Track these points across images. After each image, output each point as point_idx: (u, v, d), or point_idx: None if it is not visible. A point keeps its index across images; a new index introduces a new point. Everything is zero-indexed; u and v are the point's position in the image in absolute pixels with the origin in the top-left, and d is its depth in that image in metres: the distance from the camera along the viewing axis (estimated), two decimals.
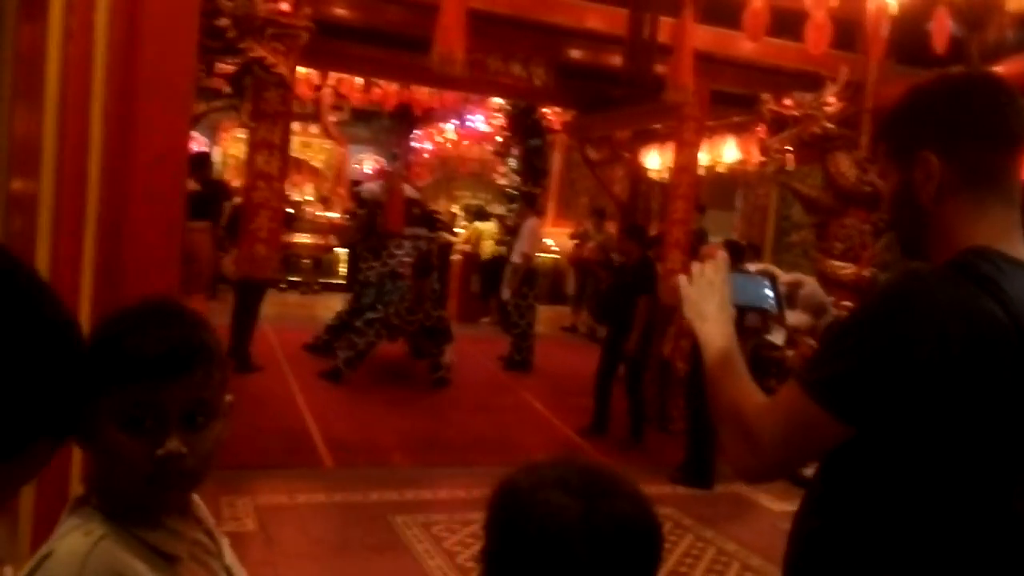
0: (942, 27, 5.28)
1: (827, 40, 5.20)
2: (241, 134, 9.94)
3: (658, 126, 7.93)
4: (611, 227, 9.81)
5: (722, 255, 1.44)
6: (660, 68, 6.60)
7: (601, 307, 7.65)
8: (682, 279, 1.42)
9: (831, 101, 5.75)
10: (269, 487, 4.71)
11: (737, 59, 5.99)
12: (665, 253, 6.52)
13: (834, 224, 5.73)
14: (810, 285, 1.58)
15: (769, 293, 1.48)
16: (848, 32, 5.72)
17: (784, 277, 1.54)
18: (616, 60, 6.66)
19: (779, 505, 4.99)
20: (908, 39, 5.72)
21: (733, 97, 6.66)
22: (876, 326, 1.11)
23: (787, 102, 5.90)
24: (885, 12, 5.14)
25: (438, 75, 4.86)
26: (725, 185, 9.31)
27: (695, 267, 1.42)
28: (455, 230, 11.90)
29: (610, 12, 5.52)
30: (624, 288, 6.20)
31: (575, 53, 6.52)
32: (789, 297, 1.53)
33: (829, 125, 5.61)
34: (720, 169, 7.81)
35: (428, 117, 13.45)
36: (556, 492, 0.90)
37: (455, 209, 14.21)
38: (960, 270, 1.11)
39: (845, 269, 5.51)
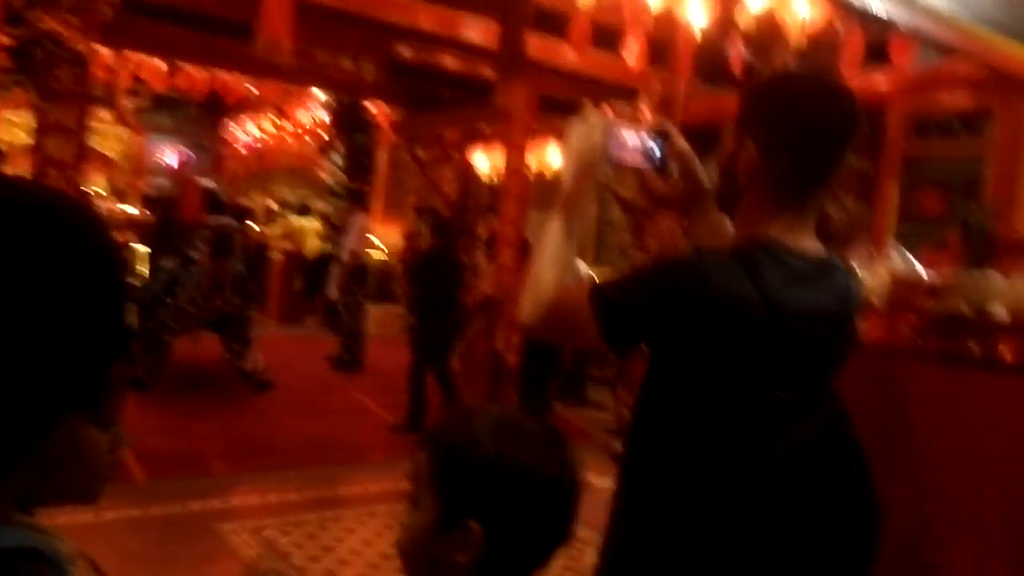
0: (737, 52, 5.83)
1: (643, 56, 5.56)
2: (16, 116, 8.98)
3: (487, 128, 8.10)
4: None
5: (608, 110, 1.52)
6: (489, 72, 6.76)
7: (407, 299, 7.57)
8: (578, 118, 1.46)
9: (645, 112, 6.17)
10: (68, 506, 4.33)
11: (563, 68, 6.25)
12: (498, 251, 6.69)
13: (649, 225, 6.14)
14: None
15: (655, 150, 1.49)
16: (661, 50, 6.14)
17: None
18: (447, 60, 6.75)
19: (602, 481, 5.24)
20: (711, 60, 6.22)
21: (559, 103, 6.95)
22: (658, 278, 1.32)
23: (607, 111, 6.24)
24: (691, 34, 5.60)
25: (262, 64, 4.70)
26: (551, 189, 9.61)
27: (583, 111, 1.47)
28: (270, 224, 11.45)
29: (442, 12, 5.59)
30: (423, 277, 6.20)
31: (406, 51, 6.53)
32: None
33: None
34: (547, 173, 8.10)
35: (241, 108, 12.85)
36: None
37: (270, 204, 13.68)
38: (736, 255, 1.30)
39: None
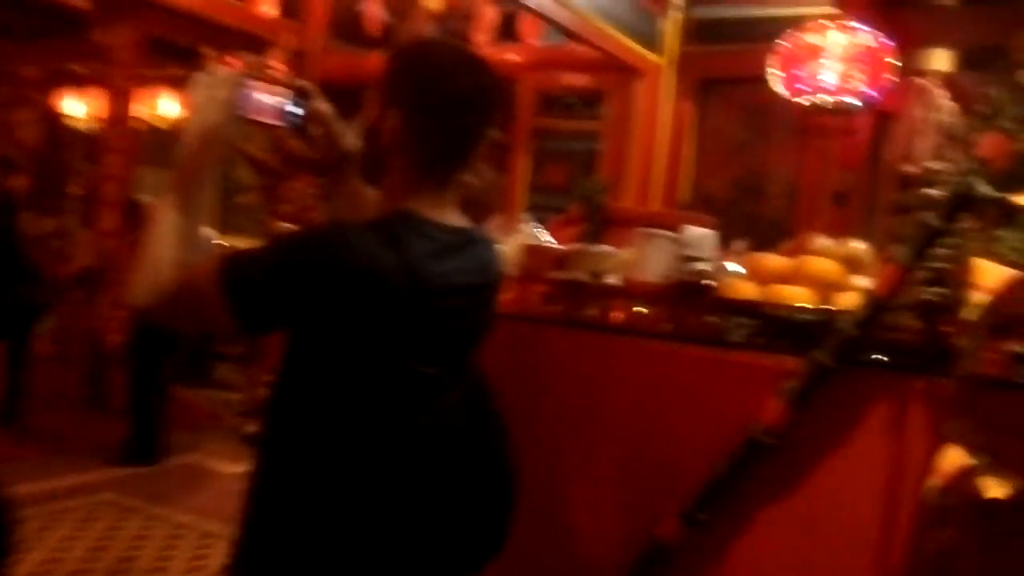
0: (373, 12, 5.76)
1: (275, 4, 5.17)
2: None
3: (81, 69, 6.92)
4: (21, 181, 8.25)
5: (235, 61, 1.34)
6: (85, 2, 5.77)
7: None
8: (203, 72, 1.32)
9: (277, 66, 5.75)
10: None
11: (177, 7, 5.54)
12: (97, 213, 5.75)
13: (283, 187, 5.77)
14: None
15: (294, 109, 1.39)
16: (293, 2, 5.80)
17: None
18: None
19: (232, 467, 4.86)
20: (347, 17, 6.03)
21: (173, 48, 6.18)
22: (295, 252, 1.23)
23: (232, 61, 5.69)
24: None
25: None
26: (166, 142, 8.60)
27: (208, 64, 1.30)
28: None
29: None
30: None
31: None
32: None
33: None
34: (161, 125, 7.18)
35: None
36: None
37: None
38: (378, 227, 1.25)
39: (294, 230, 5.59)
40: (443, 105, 1.29)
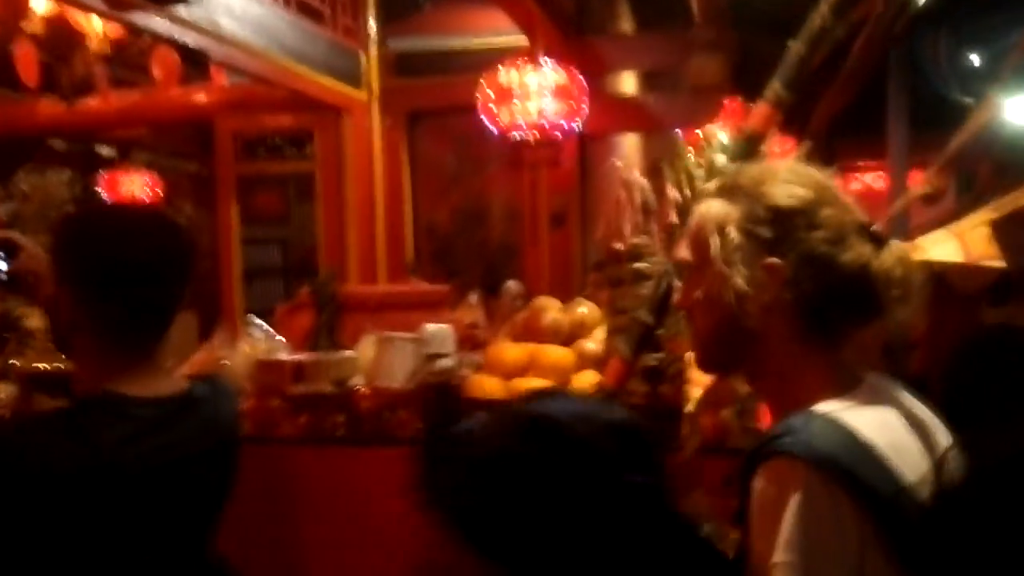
0: (28, 56, 5.09)
1: None
2: None
3: None
4: None
5: None
6: None
7: None
8: None
9: None
10: None
11: None
12: None
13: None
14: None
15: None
16: None
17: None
18: None
19: None
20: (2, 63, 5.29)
21: None
22: None
23: None
24: None
25: None
26: None
27: None
28: None
29: None
30: None
31: None
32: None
33: None
34: None
35: None
36: None
37: None
38: (60, 417, 1.21)
39: None
40: (109, 279, 1.22)
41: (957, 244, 1.69)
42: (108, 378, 1.23)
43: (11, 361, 2.46)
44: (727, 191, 1.07)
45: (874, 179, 6.66)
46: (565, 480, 0.87)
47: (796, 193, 1.02)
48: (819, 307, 1.01)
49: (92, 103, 5.16)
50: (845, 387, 1.01)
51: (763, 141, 1.83)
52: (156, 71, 4.85)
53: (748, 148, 1.80)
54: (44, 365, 2.32)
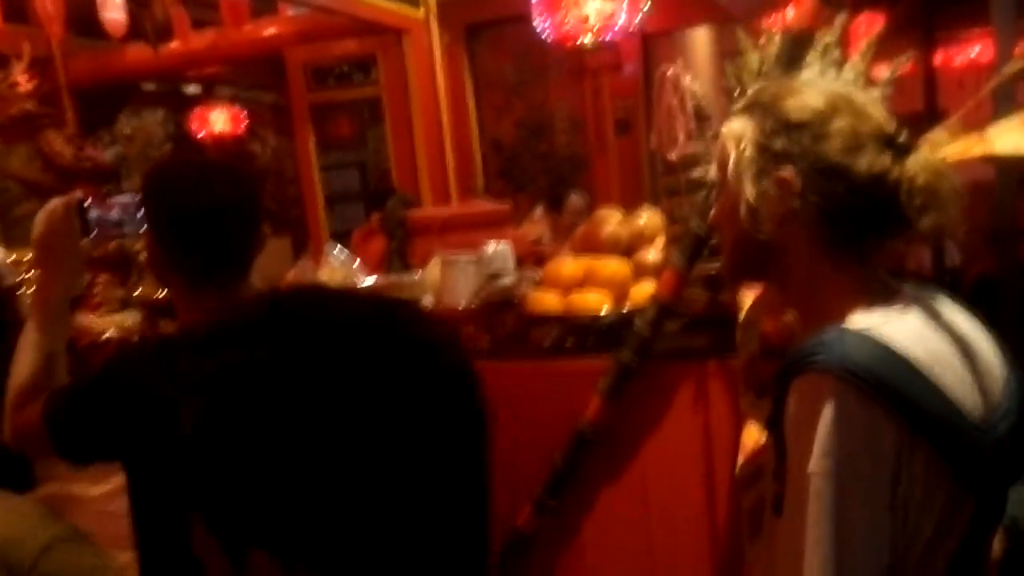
0: (111, 3, 5.25)
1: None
2: None
3: None
4: None
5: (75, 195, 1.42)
6: None
7: None
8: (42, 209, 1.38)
9: (22, 80, 5.17)
10: None
11: None
12: None
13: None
14: None
15: (134, 214, 1.45)
16: (20, 9, 5.18)
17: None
18: None
19: (98, 488, 4.64)
20: (84, 12, 5.48)
21: None
22: (96, 389, 1.28)
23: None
24: None
25: None
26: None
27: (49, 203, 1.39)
28: None
29: None
30: None
31: None
32: None
33: (28, 105, 5.06)
34: None
35: None
36: None
37: None
38: (159, 347, 1.31)
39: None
40: (182, 230, 1.32)
41: None
42: (194, 314, 1.34)
43: (134, 293, 2.74)
44: (749, 107, 1.10)
45: (981, 52, 6.14)
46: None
47: (808, 104, 1.03)
48: (838, 217, 1.02)
49: (174, 46, 5.39)
50: (879, 298, 1.02)
51: (810, 40, 1.75)
52: (226, 9, 4.96)
53: (794, 49, 1.73)
54: (162, 293, 2.55)
